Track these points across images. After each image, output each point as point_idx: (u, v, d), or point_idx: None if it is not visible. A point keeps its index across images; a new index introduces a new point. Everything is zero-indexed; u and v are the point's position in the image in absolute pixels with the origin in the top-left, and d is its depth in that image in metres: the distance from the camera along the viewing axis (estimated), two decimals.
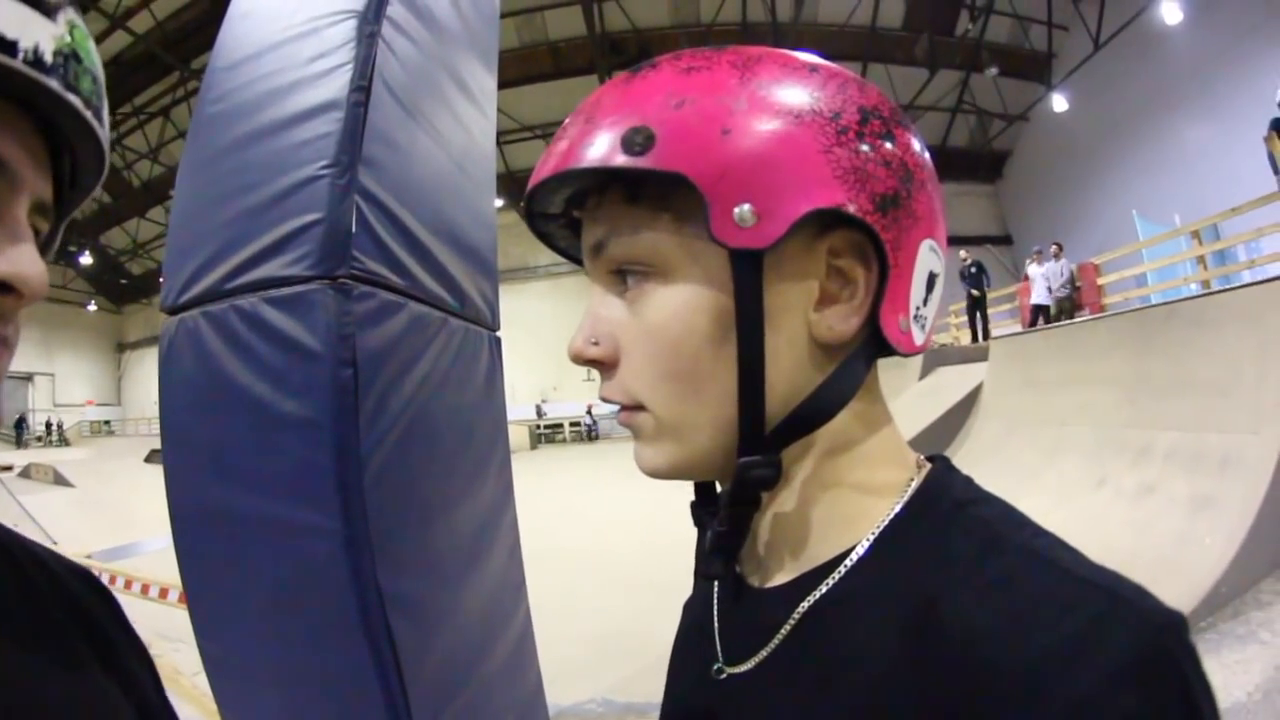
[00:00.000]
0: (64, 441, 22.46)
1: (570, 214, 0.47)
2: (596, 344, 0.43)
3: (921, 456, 0.45)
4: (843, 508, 0.42)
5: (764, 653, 0.43)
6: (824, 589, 0.41)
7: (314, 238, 1.07)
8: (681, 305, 0.40)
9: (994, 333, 10.12)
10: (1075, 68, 14.53)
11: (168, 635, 3.10)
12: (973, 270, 10.36)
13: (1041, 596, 0.32)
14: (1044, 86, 15.54)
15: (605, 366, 0.43)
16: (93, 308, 26.47)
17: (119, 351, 27.65)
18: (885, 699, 0.35)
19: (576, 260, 0.48)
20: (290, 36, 1.25)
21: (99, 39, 13.62)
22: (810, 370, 0.41)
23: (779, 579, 0.44)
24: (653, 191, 0.40)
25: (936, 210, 0.43)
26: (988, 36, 14.79)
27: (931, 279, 0.43)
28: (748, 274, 0.38)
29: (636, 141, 0.37)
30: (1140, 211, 12.08)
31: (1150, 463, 4.65)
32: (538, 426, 21.61)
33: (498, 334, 1.59)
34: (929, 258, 0.42)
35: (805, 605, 0.41)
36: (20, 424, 22.05)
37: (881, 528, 0.41)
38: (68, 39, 0.39)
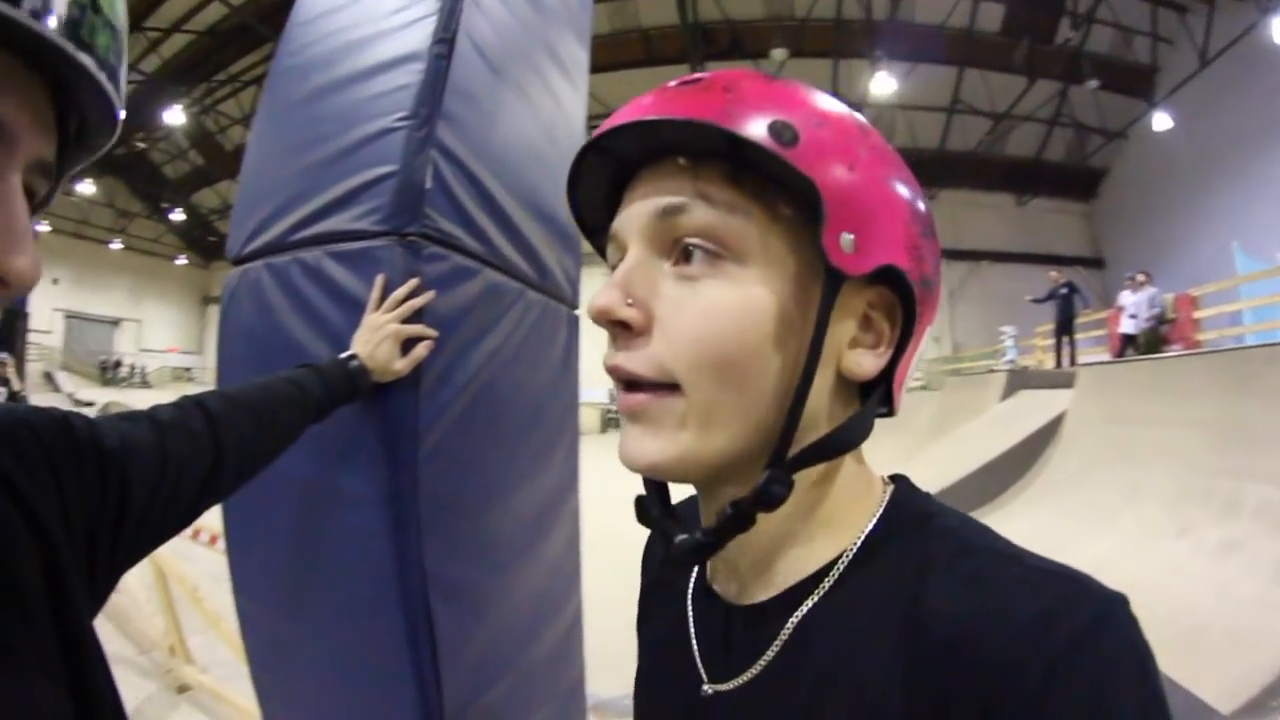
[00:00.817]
0: (145, 384, 23.83)
1: (620, 170, 0.46)
2: (632, 305, 0.42)
3: (883, 475, 0.48)
4: (822, 525, 0.45)
5: (754, 670, 0.44)
6: (811, 603, 0.43)
7: (385, 191, 1.00)
8: (754, 297, 0.41)
9: (1080, 360, 9.59)
10: (1179, 85, 13.53)
11: (219, 578, 3.19)
12: (1063, 291, 9.79)
13: (1012, 585, 0.36)
14: (1145, 103, 14.54)
15: (630, 334, 0.42)
16: (182, 261, 27.90)
17: (204, 305, 28.93)
18: (882, 705, 0.37)
19: (580, 219, 0.52)
20: None
21: (195, 10, 14.28)
22: (833, 402, 0.44)
23: (760, 595, 0.46)
24: (753, 182, 0.41)
25: (937, 303, 0.47)
26: (1089, 46, 13.88)
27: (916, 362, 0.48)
28: (833, 294, 0.41)
29: (786, 134, 0.39)
30: (1241, 244, 11.24)
31: (1237, 517, 4.30)
32: (609, 410, 21.57)
33: (577, 312, 1.49)
34: (926, 342, 0.48)
35: (795, 619, 0.43)
36: (114, 365, 23.33)
37: (860, 541, 0.43)
38: None
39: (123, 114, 0.41)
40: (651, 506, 0.48)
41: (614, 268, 0.45)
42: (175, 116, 17.18)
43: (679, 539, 0.43)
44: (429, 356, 1.00)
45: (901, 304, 0.44)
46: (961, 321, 18.40)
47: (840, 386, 0.44)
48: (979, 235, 18.36)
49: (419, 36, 1.08)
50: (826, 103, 0.43)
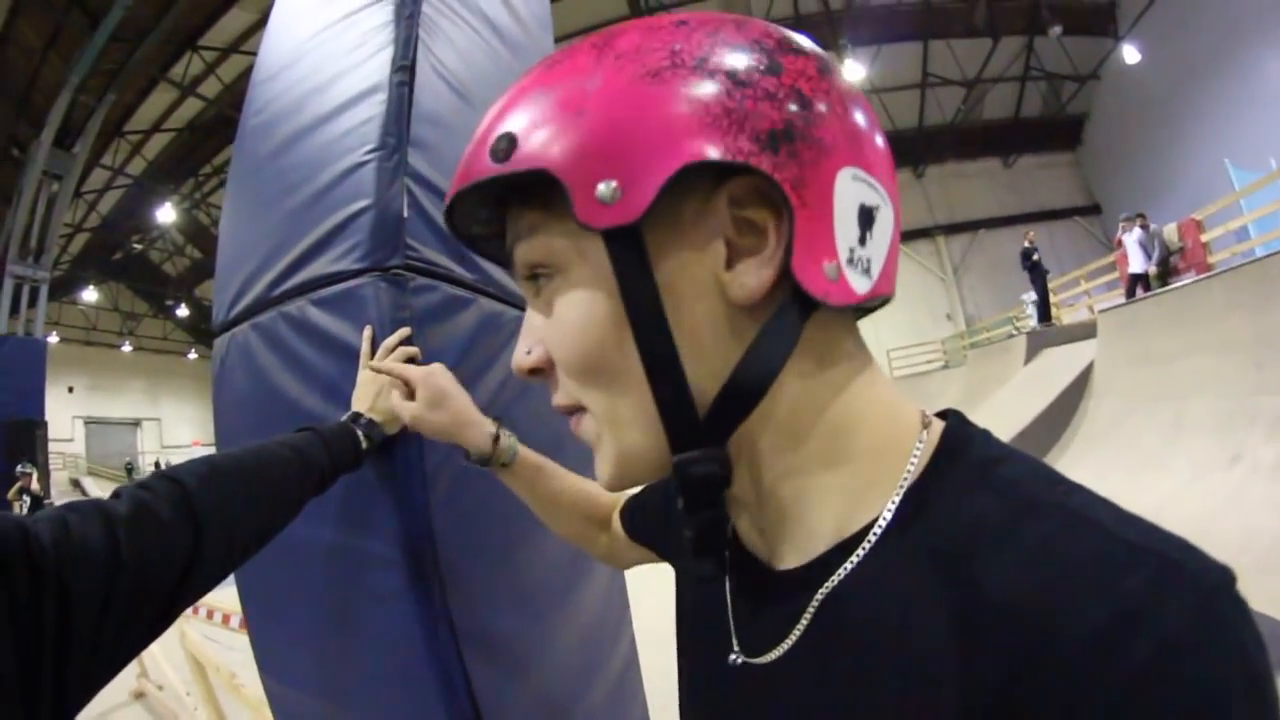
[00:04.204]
0: None
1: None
2: (529, 353, 0.43)
3: (928, 412, 0.42)
4: (846, 478, 0.39)
5: (788, 643, 0.41)
6: (846, 569, 0.38)
7: (362, 227, 0.94)
8: (580, 299, 0.39)
9: (1098, 306, 9.50)
10: (1141, 13, 13.57)
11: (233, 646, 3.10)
12: (1031, 254, 10.13)
13: (1087, 564, 0.30)
14: (1112, 39, 14.58)
15: (544, 375, 0.43)
16: (193, 355, 28.46)
17: None
18: (928, 682, 0.33)
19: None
20: (328, 35, 1.16)
21: (171, 109, 14.52)
22: (734, 342, 0.38)
23: (791, 560, 0.42)
24: (538, 193, 0.39)
25: (859, 134, 0.38)
26: None
27: (867, 213, 0.38)
28: (627, 253, 0.37)
29: (500, 148, 0.37)
30: (1233, 159, 11.15)
31: None
32: None
33: None
34: (854, 189, 0.37)
35: (827, 588, 0.39)
36: (129, 469, 23.56)
37: (900, 495, 0.38)
38: None
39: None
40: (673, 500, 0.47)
41: None
42: (167, 214, 17.57)
43: (687, 536, 0.41)
44: None
45: (768, 179, 0.35)
46: (971, 295, 18.25)
47: (740, 321, 0.38)
48: (972, 205, 18.33)
49: (377, 67, 1.05)
50: (555, 60, 0.39)
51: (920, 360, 15.11)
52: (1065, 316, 11.40)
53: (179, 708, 3.73)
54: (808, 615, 0.39)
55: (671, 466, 0.39)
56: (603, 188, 0.35)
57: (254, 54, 1.34)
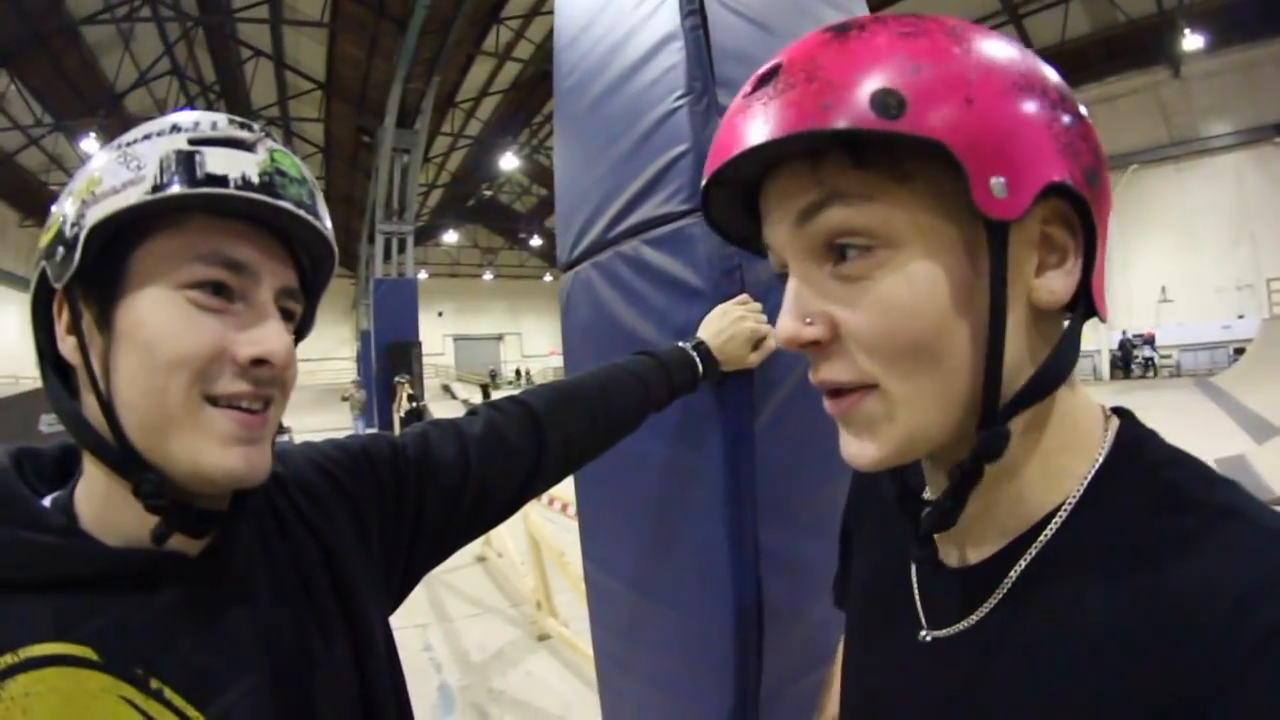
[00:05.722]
0: (531, 383, 28.88)
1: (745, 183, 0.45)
2: (811, 324, 0.42)
3: (1106, 407, 0.45)
4: (1044, 467, 0.43)
5: (975, 616, 0.43)
6: (1035, 550, 0.41)
7: (683, 170, 1.01)
8: (922, 278, 0.39)
9: None
10: None
11: (568, 530, 3.66)
12: None
13: (1233, 548, 0.34)
14: None
15: (821, 348, 0.42)
16: (547, 279, 33.56)
17: None
18: (1107, 664, 0.36)
19: (730, 237, 0.52)
20: None
21: (492, 76, 16.45)
22: (1037, 339, 0.42)
23: (981, 544, 0.45)
24: (879, 157, 0.39)
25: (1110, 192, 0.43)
26: None
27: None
28: (999, 246, 0.39)
29: (891, 104, 0.36)
30: None
31: None
32: None
33: None
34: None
35: (1021, 566, 0.42)
36: (492, 375, 28.71)
37: (1082, 489, 0.41)
38: (269, 161, 0.50)
39: (330, 236, 0.54)
40: (886, 490, 0.49)
41: (780, 271, 0.45)
42: (509, 162, 20.44)
43: (925, 514, 0.44)
44: None
45: (1075, 208, 0.40)
46: None
47: (1036, 319, 0.42)
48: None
49: (667, 16, 1.08)
50: (905, 32, 0.39)
51: None
52: None
53: (511, 573, 4.57)
54: (997, 595, 0.43)
55: (970, 440, 0.41)
56: (995, 181, 0.37)
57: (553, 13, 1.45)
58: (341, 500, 0.64)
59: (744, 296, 0.97)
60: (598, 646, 1.39)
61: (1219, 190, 15.83)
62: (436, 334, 28.56)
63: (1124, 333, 16.95)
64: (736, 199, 0.47)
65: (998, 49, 0.39)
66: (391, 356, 11.67)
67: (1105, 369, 16.90)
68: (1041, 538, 0.41)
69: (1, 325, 17.43)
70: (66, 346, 0.50)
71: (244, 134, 0.51)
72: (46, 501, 0.51)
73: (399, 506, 0.67)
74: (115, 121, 14.88)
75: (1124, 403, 0.48)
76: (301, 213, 0.51)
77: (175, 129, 0.49)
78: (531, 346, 32.72)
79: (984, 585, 0.43)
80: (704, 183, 0.45)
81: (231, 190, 0.48)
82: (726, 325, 0.94)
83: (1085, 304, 0.42)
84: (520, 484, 0.75)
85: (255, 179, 0.49)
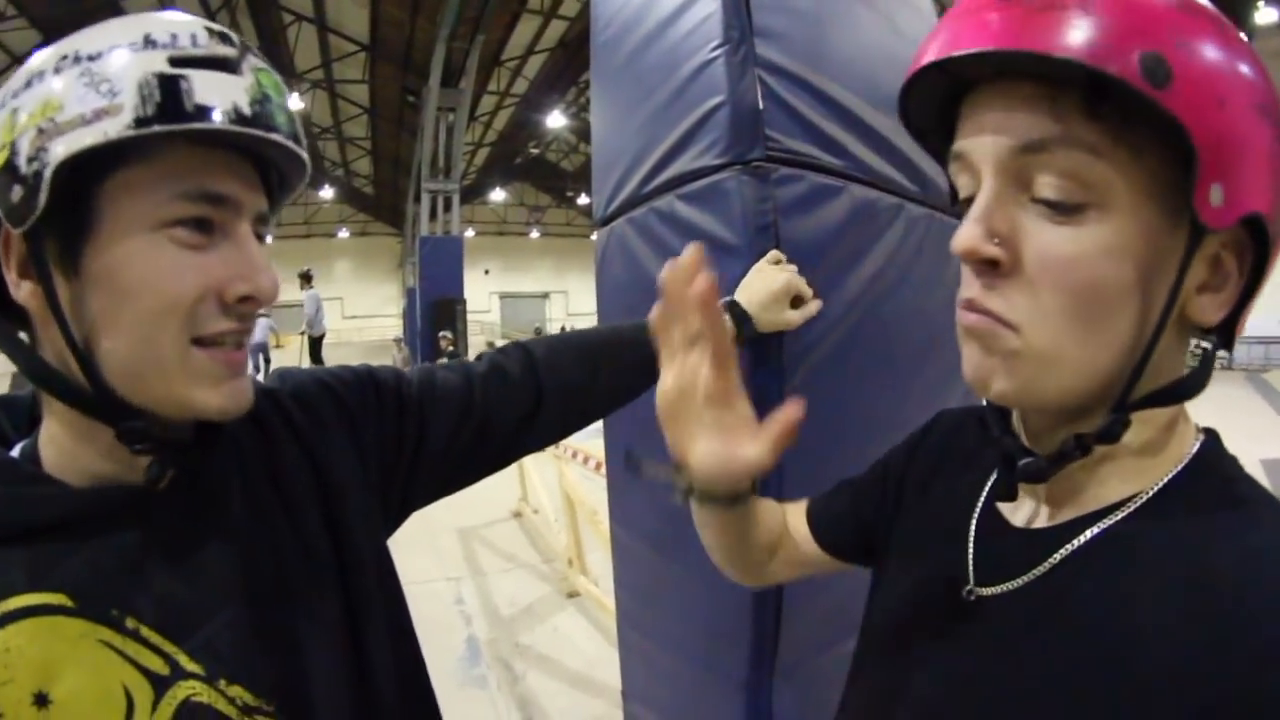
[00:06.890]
0: None
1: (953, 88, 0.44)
2: (997, 242, 0.41)
3: (1197, 425, 0.46)
4: (1136, 462, 0.44)
5: (1027, 577, 0.44)
6: (1094, 531, 0.43)
7: (719, 123, 0.97)
8: (1118, 251, 0.39)
9: None
10: None
11: (602, 488, 3.71)
12: None
13: None
14: None
15: (994, 271, 0.41)
16: (594, 237, 33.25)
17: None
18: (1154, 652, 0.36)
19: (919, 135, 0.50)
20: None
21: (538, 34, 16.20)
22: (1174, 346, 0.42)
23: (1058, 513, 0.46)
24: (1112, 118, 0.38)
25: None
26: None
27: None
28: (1195, 246, 0.39)
29: (1160, 73, 0.35)
30: None
31: None
32: None
33: None
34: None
35: (1078, 542, 0.43)
36: (537, 332, 29.04)
37: (1158, 487, 0.42)
38: (256, 86, 0.47)
39: (307, 158, 0.52)
40: (994, 426, 0.48)
41: (962, 191, 0.44)
42: (556, 120, 20.20)
43: (1024, 462, 0.44)
44: None
45: (1254, 245, 0.40)
46: None
47: (1178, 330, 0.42)
48: None
49: None
50: (1189, 6, 0.38)
51: None
52: None
53: (545, 530, 4.63)
54: (1052, 561, 0.43)
55: (1102, 411, 0.42)
56: (1215, 188, 0.37)
57: None
58: (340, 414, 0.63)
59: (776, 253, 0.94)
60: (620, 608, 1.40)
61: None
62: (483, 292, 28.82)
63: None
64: (939, 93, 0.45)
65: (1252, 60, 0.39)
66: (437, 313, 11.94)
67: None
68: (1109, 519, 0.43)
69: None
70: (22, 292, 0.46)
71: (228, 50, 0.46)
72: (15, 451, 0.50)
73: (400, 429, 0.66)
74: None
75: None
76: (291, 144, 0.48)
77: (151, 43, 0.44)
78: (577, 305, 32.80)
79: (1043, 549, 0.44)
80: (925, 63, 0.42)
81: (225, 125, 0.44)
82: (762, 282, 0.91)
83: (1223, 333, 0.43)
84: (519, 421, 0.73)
85: (246, 109, 0.45)
